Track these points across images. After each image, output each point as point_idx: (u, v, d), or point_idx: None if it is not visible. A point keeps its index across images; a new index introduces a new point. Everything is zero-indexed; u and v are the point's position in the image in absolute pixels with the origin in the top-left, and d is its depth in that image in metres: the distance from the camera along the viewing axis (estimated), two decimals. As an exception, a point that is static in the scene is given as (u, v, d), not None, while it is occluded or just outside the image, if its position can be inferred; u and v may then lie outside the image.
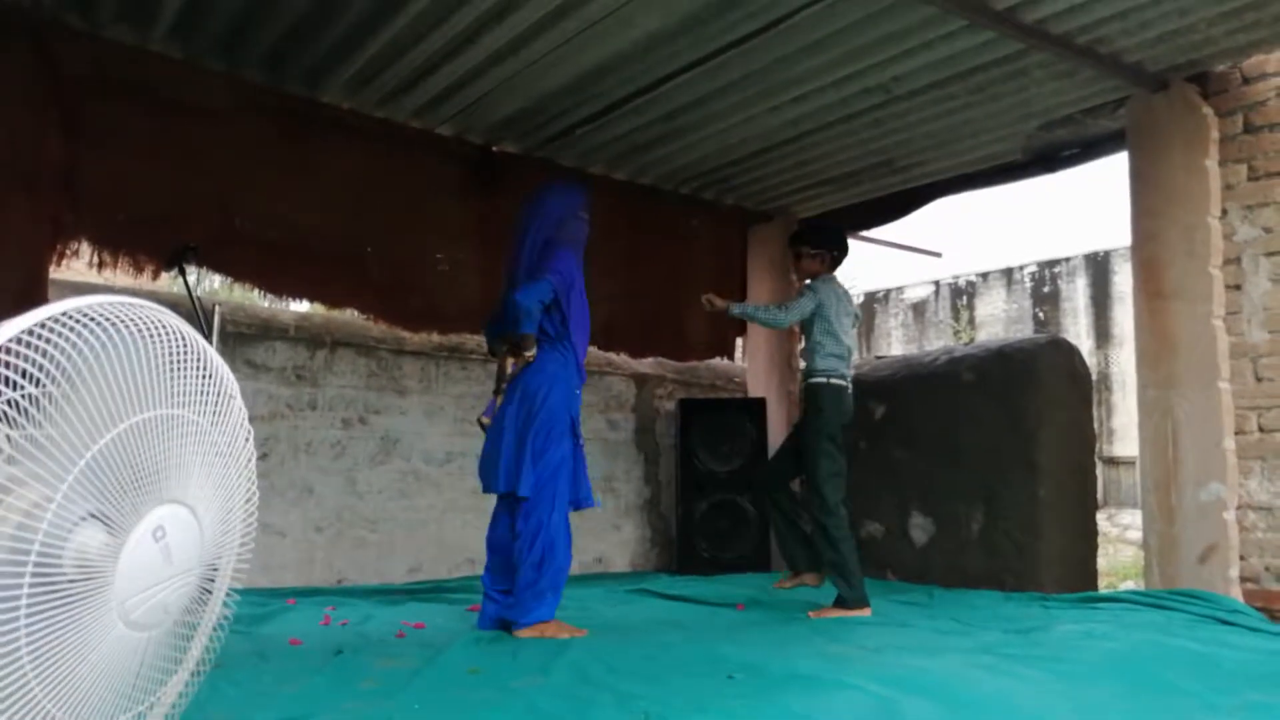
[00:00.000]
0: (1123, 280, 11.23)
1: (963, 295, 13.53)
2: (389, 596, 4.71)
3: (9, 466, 1.28)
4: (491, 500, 4.01)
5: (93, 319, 1.39)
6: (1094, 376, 7.71)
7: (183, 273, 4.08)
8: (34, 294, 4.08)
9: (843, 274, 4.96)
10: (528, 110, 5.06)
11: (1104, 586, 5.93)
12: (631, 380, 6.64)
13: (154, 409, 1.51)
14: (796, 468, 4.71)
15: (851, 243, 7.41)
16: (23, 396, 1.29)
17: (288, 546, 5.03)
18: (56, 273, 4.38)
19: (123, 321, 1.44)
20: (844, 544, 4.33)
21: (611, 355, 6.39)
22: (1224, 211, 4.50)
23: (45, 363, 1.31)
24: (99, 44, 4.29)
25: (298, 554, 5.06)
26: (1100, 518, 5.85)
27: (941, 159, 5.71)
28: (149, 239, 4.42)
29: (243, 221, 4.71)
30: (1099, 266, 12.09)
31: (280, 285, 5.06)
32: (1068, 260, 12.48)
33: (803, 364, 4.67)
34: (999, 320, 12.99)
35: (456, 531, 5.63)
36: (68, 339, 1.35)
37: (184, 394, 1.57)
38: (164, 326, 1.52)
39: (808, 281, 4.76)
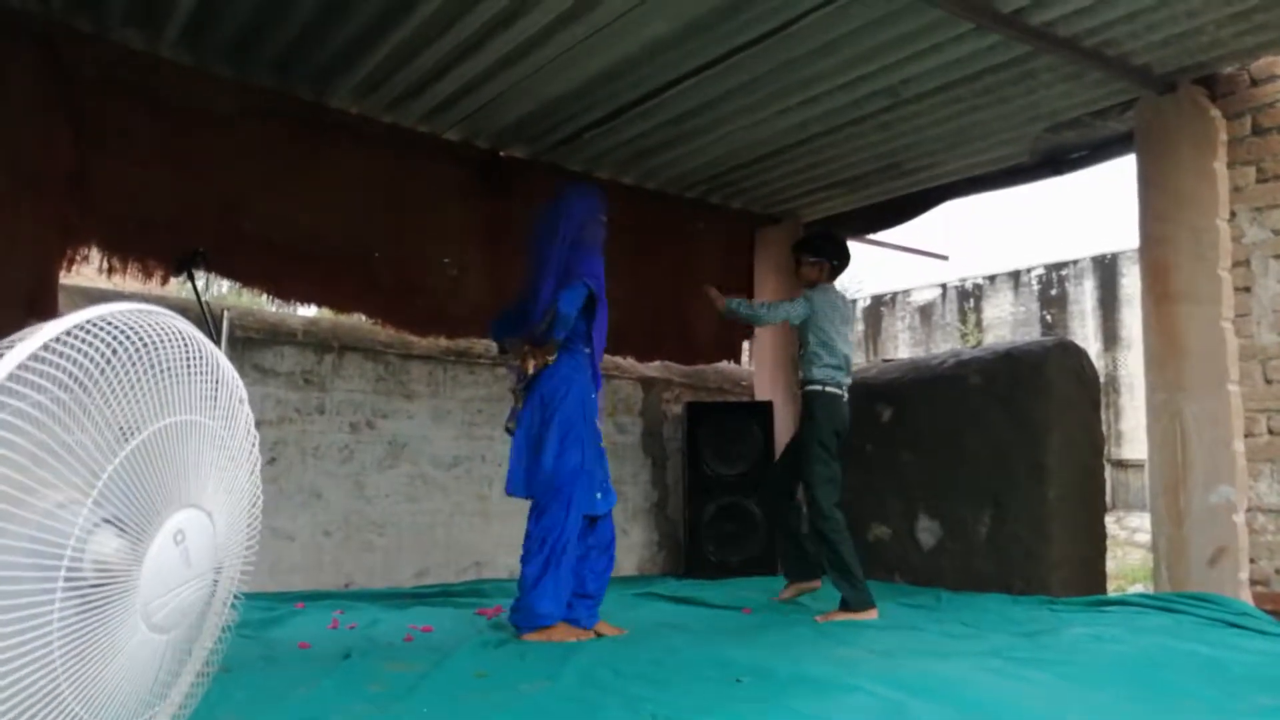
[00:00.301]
0: (1131, 283, 11.19)
1: (970, 298, 13.51)
2: (397, 600, 4.71)
3: (39, 469, 1.30)
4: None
5: (116, 327, 1.41)
6: (1102, 379, 7.69)
7: (191, 278, 4.09)
8: (44, 299, 4.10)
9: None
10: (535, 115, 5.07)
11: (1113, 590, 5.92)
12: (639, 383, 6.64)
13: (175, 415, 1.53)
14: (794, 477, 4.72)
15: (859, 245, 7.45)
16: (52, 400, 1.30)
17: (296, 550, 5.04)
18: (66, 278, 4.40)
19: (143, 329, 1.46)
20: (843, 546, 4.34)
21: (619, 358, 6.39)
22: (1233, 214, 4.49)
23: (74, 369, 1.33)
24: (108, 48, 4.31)
25: (306, 558, 5.08)
26: (1109, 521, 5.83)
27: (949, 161, 5.71)
28: (158, 244, 4.44)
29: (251, 226, 4.73)
30: (1107, 269, 12.07)
31: (288, 290, 5.06)
32: (1075, 263, 12.46)
33: (799, 372, 4.71)
34: (1006, 323, 12.97)
35: (464, 535, 5.64)
36: (96, 346, 1.37)
37: (200, 400, 1.60)
38: (180, 334, 1.55)
39: (810, 290, 4.77)
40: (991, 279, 13.35)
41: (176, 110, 4.49)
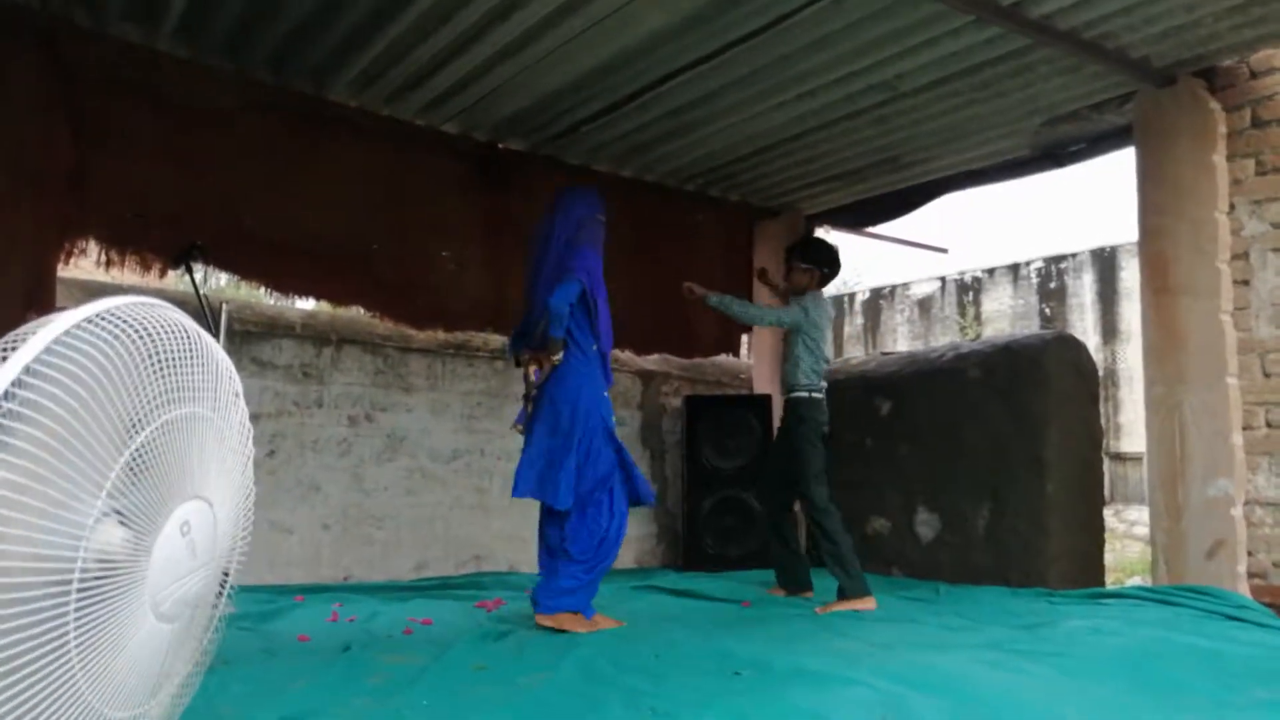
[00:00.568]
0: (1130, 276, 11.17)
1: (969, 291, 13.50)
2: (396, 593, 4.72)
3: (58, 462, 1.31)
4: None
5: (125, 321, 1.43)
6: (1101, 372, 7.69)
7: (189, 271, 4.09)
8: (42, 292, 4.10)
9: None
10: (534, 107, 5.06)
11: (1111, 583, 5.92)
12: (638, 377, 6.64)
13: (180, 407, 1.54)
14: (791, 487, 4.76)
15: (858, 239, 7.45)
16: (66, 393, 1.32)
17: (295, 543, 5.05)
18: (64, 271, 4.40)
19: (149, 323, 1.47)
20: (840, 538, 4.41)
21: (618, 351, 6.38)
22: (1232, 206, 4.49)
23: (87, 362, 1.35)
24: (106, 43, 4.31)
25: (305, 551, 5.08)
26: (1107, 514, 5.84)
27: (947, 155, 5.71)
28: (156, 237, 4.44)
29: (249, 220, 4.73)
30: (1106, 262, 12.05)
31: (286, 283, 5.07)
32: (1074, 256, 12.44)
33: (785, 378, 4.76)
34: (1005, 316, 12.95)
35: (463, 528, 5.64)
36: (107, 340, 1.39)
37: (201, 393, 1.61)
38: (183, 327, 1.56)
39: (801, 296, 4.79)
40: (990, 272, 13.33)
41: (174, 104, 4.49)
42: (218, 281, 9.78)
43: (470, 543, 5.65)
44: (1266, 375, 4.36)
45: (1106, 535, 5.41)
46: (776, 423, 6.26)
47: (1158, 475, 4.57)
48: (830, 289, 5.37)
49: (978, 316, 13.26)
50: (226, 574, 1.80)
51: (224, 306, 4.15)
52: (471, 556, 5.65)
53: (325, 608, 4.13)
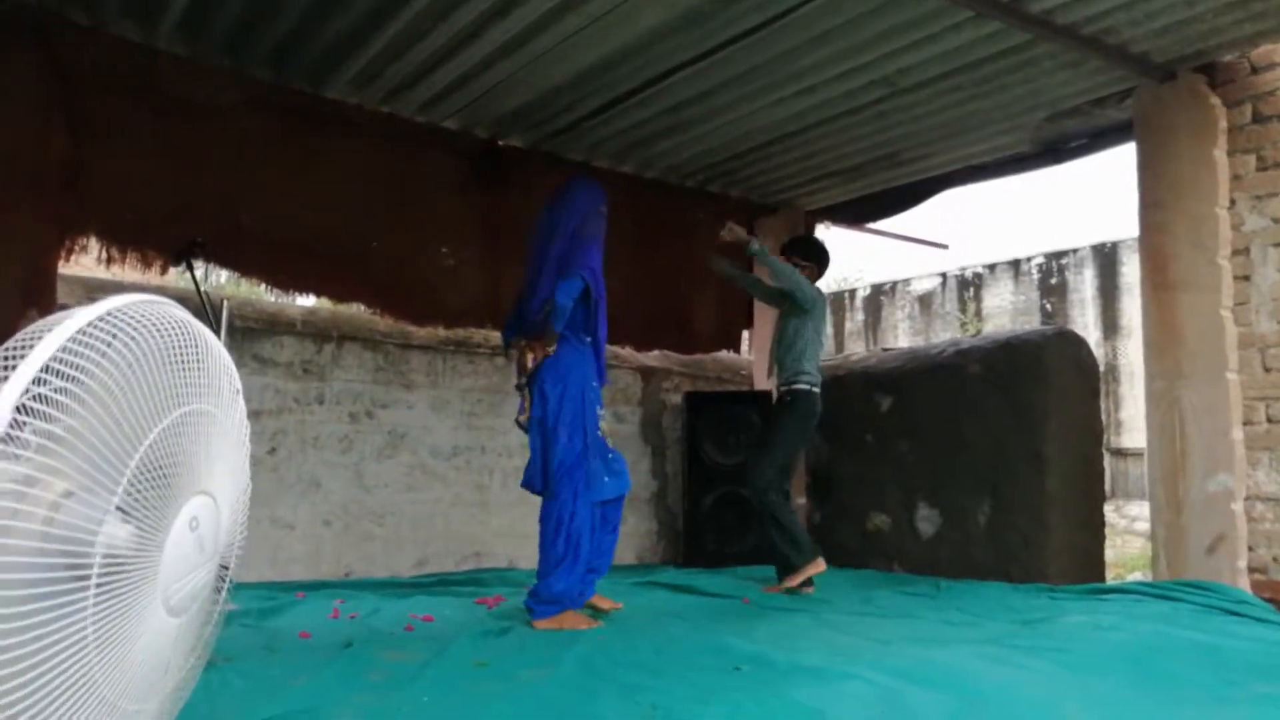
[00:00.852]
0: (1130, 271, 11.18)
1: (969, 287, 13.50)
2: (397, 589, 4.72)
3: (73, 456, 1.33)
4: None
5: (134, 319, 1.45)
6: (1101, 368, 7.69)
7: (190, 268, 4.09)
8: (42, 289, 4.10)
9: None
10: (533, 104, 5.06)
11: (1111, 578, 5.93)
12: (638, 373, 6.64)
13: (188, 404, 1.57)
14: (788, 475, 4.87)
15: (858, 234, 7.44)
16: (82, 389, 1.34)
17: (296, 540, 5.05)
18: (65, 268, 4.40)
19: (157, 320, 1.50)
20: (780, 510, 4.60)
21: (618, 348, 6.39)
22: (1232, 202, 4.48)
23: (100, 359, 1.37)
24: (104, 41, 4.30)
25: (306, 547, 5.09)
26: (1108, 509, 5.84)
27: (948, 151, 5.70)
28: (156, 234, 4.44)
29: (248, 217, 4.73)
30: (1106, 258, 12.05)
31: (287, 280, 5.07)
32: (1075, 251, 12.44)
33: (783, 369, 4.80)
34: (1006, 312, 12.95)
35: (463, 525, 5.65)
36: (119, 337, 1.41)
37: (206, 389, 1.64)
38: (186, 324, 1.59)
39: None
40: (991, 268, 13.34)
41: (173, 102, 4.48)
42: (218, 278, 9.79)
43: (471, 539, 5.66)
44: (1267, 370, 4.36)
45: (1107, 531, 5.41)
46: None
47: (1158, 470, 4.57)
48: (831, 285, 5.44)
49: (978, 312, 13.26)
50: (226, 568, 1.82)
51: (225, 303, 4.16)
52: (472, 553, 5.65)
53: (326, 604, 4.13)
